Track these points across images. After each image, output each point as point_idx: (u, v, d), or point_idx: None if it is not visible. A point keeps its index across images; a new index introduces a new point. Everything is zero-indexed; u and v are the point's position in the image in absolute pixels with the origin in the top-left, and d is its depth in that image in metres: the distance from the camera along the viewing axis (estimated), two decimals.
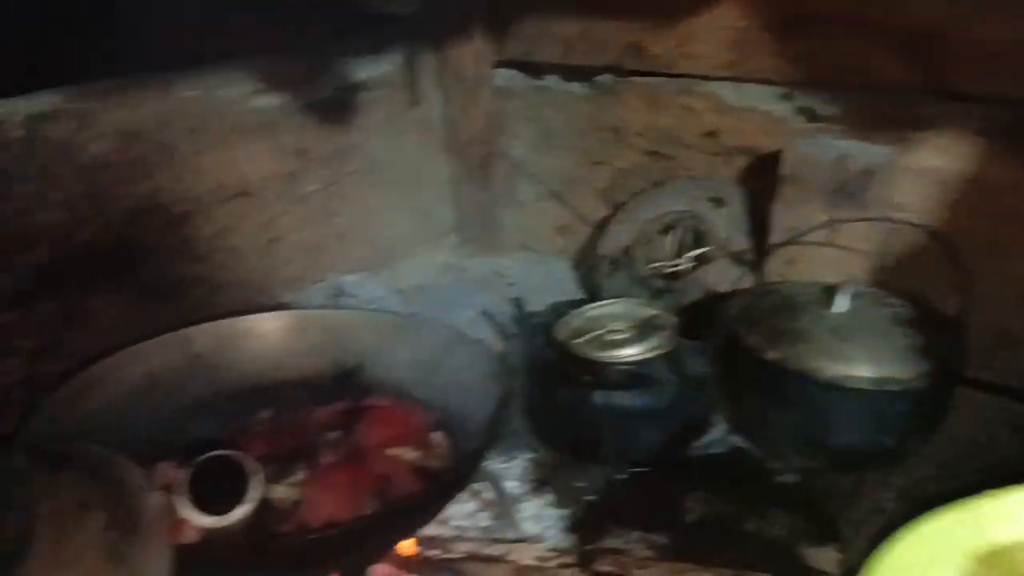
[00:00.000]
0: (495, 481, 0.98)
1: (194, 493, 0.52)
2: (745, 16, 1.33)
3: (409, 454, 0.85)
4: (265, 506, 0.70)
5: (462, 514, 0.98)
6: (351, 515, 0.73)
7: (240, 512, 0.52)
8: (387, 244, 1.58)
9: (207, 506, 0.52)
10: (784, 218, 1.29)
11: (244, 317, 1.00)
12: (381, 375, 0.96)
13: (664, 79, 1.43)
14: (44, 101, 1.07)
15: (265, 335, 0.99)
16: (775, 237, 1.30)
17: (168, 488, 0.65)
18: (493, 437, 0.81)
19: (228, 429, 0.88)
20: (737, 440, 1.13)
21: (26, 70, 1.07)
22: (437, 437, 0.89)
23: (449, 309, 1.51)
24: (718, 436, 1.14)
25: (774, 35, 1.30)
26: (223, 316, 1.02)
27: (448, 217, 1.72)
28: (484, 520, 0.97)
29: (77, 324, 1.13)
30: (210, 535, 0.54)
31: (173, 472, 0.75)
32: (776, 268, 1.29)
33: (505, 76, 1.62)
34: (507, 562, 0.84)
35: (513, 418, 1.09)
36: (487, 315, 1.47)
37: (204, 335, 0.96)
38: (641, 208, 1.48)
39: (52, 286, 1.10)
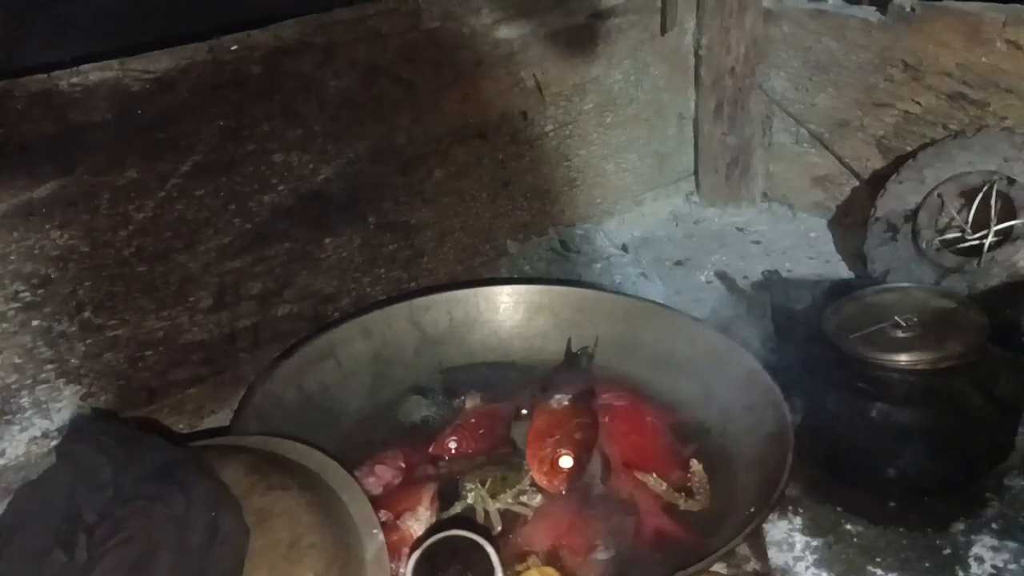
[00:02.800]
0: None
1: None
2: None
3: (660, 486, 0.73)
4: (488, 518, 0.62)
5: None
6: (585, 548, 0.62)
7: None
8: (617, 190, 1.45)
9: None
10: None
11: (476, 290, 0.92)
12: (616, 367, 0.84)
13: (991, 4, 1.16)
14: (285, 34, 1.03)
15: (496, 311, 0.90)
16: None
17: (387, 493, 0.59)
18: (776, 499, 0.66)
19: (448, 415, 0.80)
20: None
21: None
22: (695, 468, 0.76)
23: (678, 270, 1.37)
24: (1018, 466, 0.93)
25: None
26: (453, 286, 0.94)
27: (686, 160, 1.55)
28: None
29: (308, 265, 1.12)
30: None
31: (391, 472, 0.69)
32: None
33: None
34: None
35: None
36: (724, 279, 1.31)
37: (434, 307, 0.89)
38: (934, 164, 1.22)
39: (287, 227, 1.09)
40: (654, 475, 0.74)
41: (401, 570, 0.55)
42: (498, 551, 0.46)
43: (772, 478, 0.68)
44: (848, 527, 0.87)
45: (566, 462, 0.69)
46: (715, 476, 0.76)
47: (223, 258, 1.04)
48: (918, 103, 1.29)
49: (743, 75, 1.44)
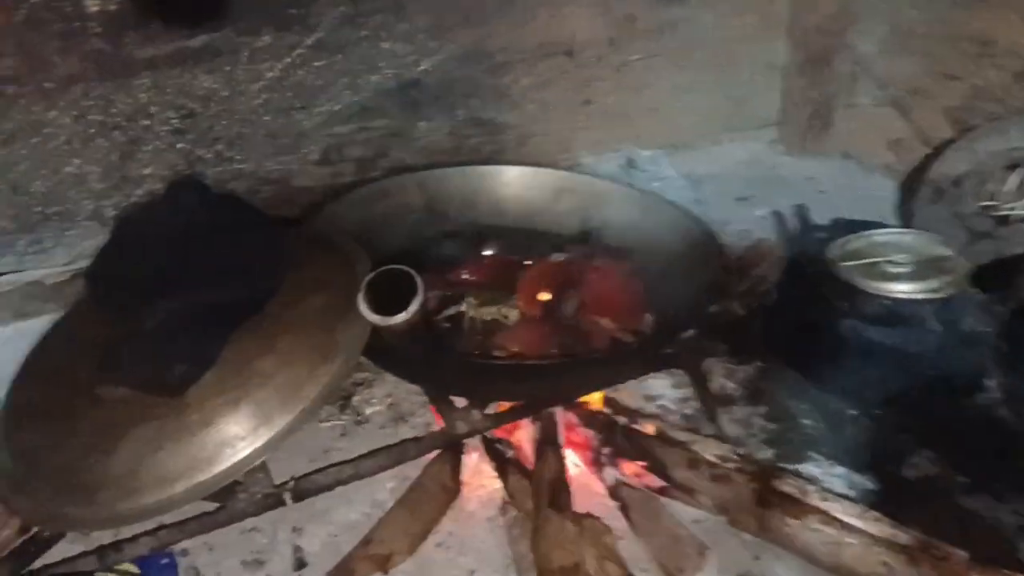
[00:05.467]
0: (707, 375, 0.99)
1: (371, 296, 0.63)
2: None
3: (611, 325, 0.90)
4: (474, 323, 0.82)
5: (671, 398, 1.02)
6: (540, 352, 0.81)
7: (402, 316, 0.63)
8: (691, 126, 1.56)
9: (381, 308, 0.63)
10: None
11: (522, 168, 1.10)
12: (613, 243, 1.01)
13: None
14: None
15: (531, 189, 1.09)
16: None
17: None
18: (690, 323, 0.83)
19: (471, 257, 0.99)
20: (1002, 412, 1.00)
21: None
22: (647, 320, 0.93)
23: (739, 204, 1.48)
24: (980, 401, 1.02)
25: None
26: (508, 163, 1.12)
27: (767, 108, 1.63)
28: (689, 409, 1.00)
29: (402, 142, 1.32)
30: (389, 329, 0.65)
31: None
32: None
33: None
34: (686, 450, 0.86)
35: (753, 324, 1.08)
36: (778, 217, 1.42)
37: (487, 176, 1.08)
38: (990, 137, 1.28)
39: (387, 106, 1.28)
40: (607, 319, 0.92)
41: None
42: (422, 280, 0.64)
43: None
44: (806, 422, 1.00)
45: (544, 296, 0.87)
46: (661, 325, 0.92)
47: (332, 122, 1.26)
48: (987, 78, 1.33)
49: (832, 34, 1.52)
